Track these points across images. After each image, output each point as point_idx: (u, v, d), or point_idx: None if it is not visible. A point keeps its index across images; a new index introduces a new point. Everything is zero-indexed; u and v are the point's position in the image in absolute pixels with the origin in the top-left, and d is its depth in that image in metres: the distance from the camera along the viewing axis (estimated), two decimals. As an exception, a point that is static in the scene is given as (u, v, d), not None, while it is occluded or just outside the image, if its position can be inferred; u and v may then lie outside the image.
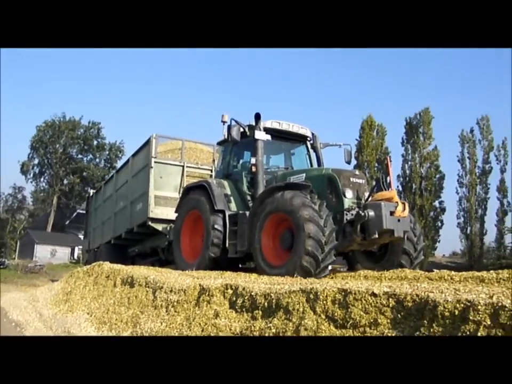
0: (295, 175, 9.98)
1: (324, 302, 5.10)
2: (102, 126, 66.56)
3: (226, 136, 10.49)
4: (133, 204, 15.30)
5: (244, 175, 10.69)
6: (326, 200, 8.84)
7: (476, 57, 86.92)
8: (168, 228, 13.03)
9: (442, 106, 77.62)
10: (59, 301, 11.46)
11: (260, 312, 5.74)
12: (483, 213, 45.89)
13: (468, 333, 3.77)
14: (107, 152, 67.07)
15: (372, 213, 8.46)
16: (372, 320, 4.59)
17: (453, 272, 7.15)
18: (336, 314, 4.92)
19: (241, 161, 11.30)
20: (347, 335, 4.50)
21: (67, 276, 13.82)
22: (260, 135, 10.27)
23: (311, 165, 11.35)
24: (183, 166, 14.60)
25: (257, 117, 10.36)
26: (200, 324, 6.20)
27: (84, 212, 24.62)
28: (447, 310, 4.09)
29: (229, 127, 10.33)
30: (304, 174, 9.79)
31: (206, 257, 10.23)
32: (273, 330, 5.25)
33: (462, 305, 4.02)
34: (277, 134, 10.88)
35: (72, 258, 53.76)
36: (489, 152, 45.69)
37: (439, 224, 44.96)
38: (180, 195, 12.03)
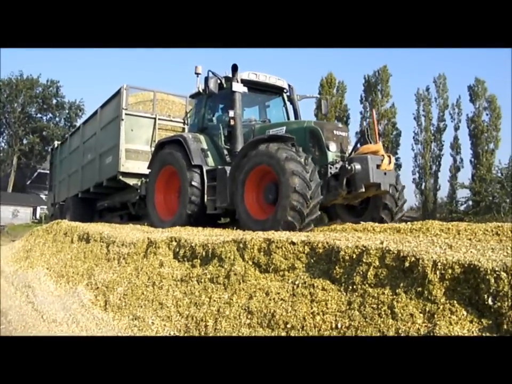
0: (274, 128, 9.40)
1: (251, 250, 5.65)
2: (61, 84, 64.53)
3: (203, 88, 9.80)
4: (102, 157, 14.34)
5: (221, 128, 10.06)
6: (309, 153, 8.35)
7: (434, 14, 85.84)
8: (140, 183, 12.35)
9: (400, 64, 77.38)
10: (20, 258, 11.41)
11: (199, 260, 6.28)
12: (437, 169, 46.38)
13: (361, 272, 4.43)
14: (67, 111, 64.95)
15: (358, 166, 8.05)
16: (290, 265, 5.19)
17: (375, 224, 7.82)
18: (261, 260, 5.50)
19: (216, 115, 10.65)
20: (282, 287, 4.87)
21: (27, 234, 13.75)
22: (238, 87, 9.64)
23: (288, 118, 10.81)
24: (155, 118, 13.74)
25: (234, 68, 9.70)
26: (146, 273, 6.69)
27: (45, 171, 23.40)
28: (347, 254, 4.73)
29: (206, 79, 9.64)
30: (284, 127, 9.23)
31: (183, 214, 9.67)
32: (208, 276, 5.79)
33: (359, 249, 4.65)
34: (254, 86, 10.26)
35: (34, 218, 52.34)
36: (444, 110, 45.93)
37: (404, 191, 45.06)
38: (153, 150, 11.32)
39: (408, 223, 7.50)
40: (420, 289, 3.99)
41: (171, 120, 14.07)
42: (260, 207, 8.60)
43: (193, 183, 9.58)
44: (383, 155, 8.40)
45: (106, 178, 13.95)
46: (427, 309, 3.84)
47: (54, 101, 64.06)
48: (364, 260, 4.51)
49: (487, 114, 43.90)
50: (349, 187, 8.19)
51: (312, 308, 4.51)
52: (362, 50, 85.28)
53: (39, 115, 65.03)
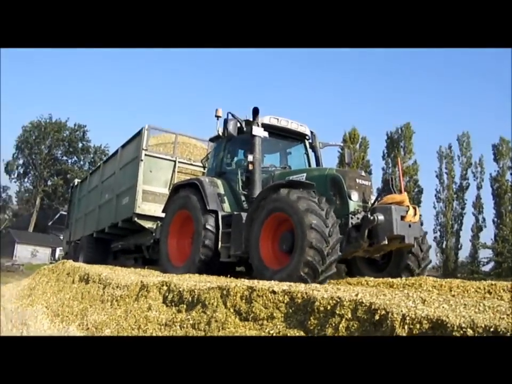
0: (294, 174, 8.89)
1: (234, 297, 5.62)
2: (88, 129, 65.78)
3: (222, 131, 9.39)
4: (119, 197, 13.93)
5: (239, 174, 9.60)
6: (328, 202, 7.78)
7: (459, 73, 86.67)
8: (155, 226, 11.85)
9: (423, 121, 77.49)
10: (23, 296, 11.35)
11: (185, 306, 6.25)
12: (459, 228, 45.80)
13: (333, 324, 4.39)
14: (92, 155, 66.04)
15: (381, 217, 7.50)
16: (269, 314, 5.14)
17: (370, 278, 7.81)
18: (241, 308, 5.46)
19: (235, 159, 10.17)
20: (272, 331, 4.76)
21: (35, 273, 13.67)
22: (258, 131, 9.21)
23: (310, 165, 10.29)
24: (175, 161, 13.32)
25: (256, 111, 9.30)
26: (135, 315, 6.69)
27: (67, 213, 23.15)
28: (321, 305, 4.67)
29: (226, 121, 9.23)
30: (304, 174, 8.73)
31: (196, 260, 9.11)
32: (191, 322, 5.75)
33: (334, 301, 4.61)
34: (275, 131, 9.84)
35: (52, 259, 52.18)
36: (467, 168, 45.53)
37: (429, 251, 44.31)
38: (169, 193, 10.85)
39: (403, 278, 7.46)
40: None
41: (191, 164, 13.64)
42: (274, 255, 8.04)
43: (207, 226, 9.07)
44: (408, 206, 7.85)
45: (121, 219, 13.48)
46: None
47: (80, 145, 65.36)
48: (337, 312, 4.49)
49: (511, 174, 43.31)
50: (371, 239, 7.65)
51: None
52: (386, 107, 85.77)
53: (64, 158, 66.34)
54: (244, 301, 5.53)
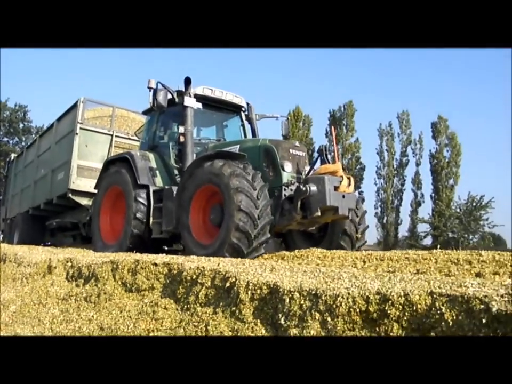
0: (227, 146, 8.49)
1: (122, 270, 5.78)
2: (29, 109, 63.29)
3: (151, 103, 8.78)
4: (54, 172, 13.15)
5: (171, 147, 9.16)
6: (262, 174, 7.46)
7: (401, 52, 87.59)
8: (91, 202, 11.21)
9: (365, 99, 78.01)
10: None
11: (82, 280, 6.38)
12: (399, 204, 46.55)
13: (195, 292, 4.66)
14: (33, 136, 63.49)
15: (314, 188, 7.15)
16: (150, 285, 5.32)
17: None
18: (127, 280, 5.64)
19: (168, 132, 9.62)
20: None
21: None
22: (190, 101, 8.73)
23: (246, 138, 9.89)
24: (112, 135, 12.70)
25: (187, 81, 8.78)
26: (38, 291, 6.73)
27: (3, 189, 21.98)
28: (188, 274, 4.90)
29: (155, 92, 8.63)
30: (238, 146, 8.33)
31: (127, 235, 8.63)
32: (84, 295, 5.92)
33: (198, 270, 4.82)
34: (209, 103, 9.38)
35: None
36: (407, 145, 46.22)
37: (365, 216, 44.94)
38: (101, 168, 10.24)
39: (296, 251, 7.35)
40: (234, 308, 4.18)
41: (129, 138, 12.99)
42: (206, 231, 7.66)
43: (138, 198, 8.60)
44: (342, 176, 7.53)
45: (56, 195, 12.80)
46: (236, 327, 4.04)
47: (21, 125, 62.77)
48: (199, 280, 4.75)
49: (447, 151, 44.28)
50: (304, 211, 7.30)
51: (150, 325, 4.72)
52: (327, 84, 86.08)
53: (5, 139, 63.56)
54: (130, 273, 5.70)
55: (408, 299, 3.19)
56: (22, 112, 62.84)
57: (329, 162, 8.04)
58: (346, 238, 8.12)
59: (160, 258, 5.80)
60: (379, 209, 46.47)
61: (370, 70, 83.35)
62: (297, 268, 4.80)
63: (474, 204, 39.18)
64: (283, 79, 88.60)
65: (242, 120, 10.12)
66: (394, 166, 46.26)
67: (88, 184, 11.68)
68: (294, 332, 3.59)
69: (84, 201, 11.89)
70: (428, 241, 42.82)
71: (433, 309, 3.08)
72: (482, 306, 2.87)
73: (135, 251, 7.34)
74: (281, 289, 3.87)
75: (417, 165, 46.04)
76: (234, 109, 10.00)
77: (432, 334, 3.03)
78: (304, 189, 7.13)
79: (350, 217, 7.88)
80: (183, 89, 8.83)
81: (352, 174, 43.63)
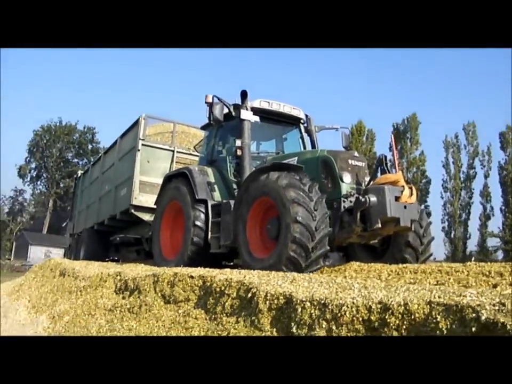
0: (286, 159, 8.26)
1: (162, 283, 6.11)
2: (97, 130, 65.74)
3: (208, 117, 8.71)
4: (118, 188, 13.32)
5: (228, 161, 9.03)
6: (320, 185, 7.21)
7: (464, 63, 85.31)
8: (153, 218, 11.14)
9: (429, 112, 76.31)
10: (12, 291, 11.63)
11: (128, 292, 6.71)
12: (467, 217, 45.12)
13: (222, 303, 4.93)
14: (101, 156, 65.91)
15: (373, 199, 6.84)
16: (186, 297, 5.62)
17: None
18: (166, 292, 5.97)
19: (226, 146, 9.48)
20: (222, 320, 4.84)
21: (28, 271, 14.13)
22: (247, 114, 8.62)
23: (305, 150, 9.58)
24: (173, 151, 12.70)
25: (244, 94, 8.69)
26: (89, 303, 7.13)
27: (71, 205, 22.54)
28: (218, 286, 5.18)
29: (211, 106, 8.56)
30: (296, 158, 8.11)
31: (184, 255, 8.57)
32: (128, 306, 6.25)
33: (227, 282, 5.10)
34: (267, 116, 9.21)
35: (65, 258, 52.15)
36: (474, 157, 44.84)
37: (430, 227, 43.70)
38: (161, 184, 10.21)
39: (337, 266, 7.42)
40: (253, 317, 4.40)
41: (190, 154, 12.90)
42: (263, 244, 7.46)
43: (196, 223, 8.50)
44: (403, 186, 7.17)
45: (119, 211, 12.92)
46: (253, 335, 4.26)
47: (90, 147, 65.18)
48: (226, 291, 5.00)
49: (517, 162, 42.54)
50: (364, 223, 6.99)
51: (180, 334, 4.98)
52: (392, 98, 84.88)
53: (75, 160, 66.25)
54: (169, 285, 5.98)
55: (407, 308, 3.33)
56: (90, 134, 65.45)
57: (390, 172, 7.67)
58: (410, 250, 7.72)
59: (198, 271, 6.06)
60: (446, 223, 45.18)
61: (435, 82, 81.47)
62: (315, 279, 4.93)
63: (548, 216, 37.37)
64: (344, 92, 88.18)
65: (301, 132, 9.87)
66: (461, 179, 44.89)
67: (150, 200, 11.65)
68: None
69: (146, 217, 11.90)
70: (499, 256, 41.10)
71: (429, 317, 3.19)
72: (473, 315, 2.94)
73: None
74: (294, 299, 4.11)
75: (486, 177, 44.65)
76: (292, 121, 9.77)
77: None
78: (363, 200, 6.85)
79: (414, 229, 7.51)
80: (240, 103, 8.74)
81: (418, 187, 42.60)
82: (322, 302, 3.86)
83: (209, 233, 8.43)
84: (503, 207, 42.89)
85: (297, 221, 6.50)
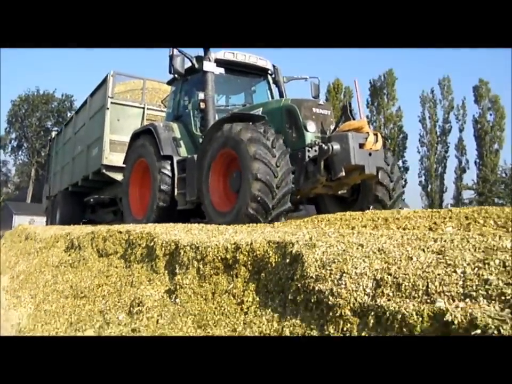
0: (251, 110, 7.87)
1: (97, 239, 6.52)
2: (75, 98, 64.26)
3: (169, 70, 8.25)
4: (89, 148, 12.89)
5: (193, 115, 8.65)
6: (285, 136, 6.92)
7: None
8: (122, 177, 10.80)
9: (405, 67, 75.57)
10: None
11: (73, 250, 7.07)
12: (443, 171, 45.29)
13: (135, 252, 5.48)
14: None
15: (337, 146, 6.50)
16: (115, 250, 6.01)
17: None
18: (100, 247, 6.37)
19: (192, 100, 9.01)
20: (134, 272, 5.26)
21: (2, 238, 14.90)
22: (210, 66, 8.22)
23: None
24: (143, 108, 12.27)
25: (207, 46, 8.26)
26: (41, 261, 7.55)
27: (46, 167, 21.92)
28: (134, 238, 5.71)
29: (171, 58, 8.10)
30: (261, 108, 7.74)
31: (153, 207, 8.31)
32: (70, 262, 6.67)
33: (141, 235, 5.63)
34: (232, 67, 8.80)
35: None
36: (449, 112, 44.84)
37: (403, 183, 43.74)
38: (128, 141, 9.85)
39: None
40: (153, 263, 4.98)
41: (162, 110, 12.29)
42: (226, 198, 7.21)
43: (162, 170, 8.23)
44: (367, 132, 6.82)
45: (92, 171, 12.54)
46: (151, 277, 4.82)
47: (69, 114, 63.97)
48: (139, 242, 5.54)
49: (490, 115, 42.57)
50: (328, 172, 6.68)
51: (100, 280, 5.60)
52: (367, 54, 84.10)
53: (55, 128, 64.85)
54: (103, 241, 6.38)
55: (252, 247, 3.86)
56: (68, 101, 64.10)
57: (354, 119, 7.31)
58: (378, 204, 7.44)
59: (127, 227, 6.55)
60: (423, 177, 45.34)
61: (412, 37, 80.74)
62: (200, 227, 5.64)
63: (520, 168, 37.60)
64: (321, 53, 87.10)
65: (269, 84, 9.50)
66: (437, 133, 44.95)
67: (121, 159, 11.08)
68: (178, 278, 4.37)
69: (119, 177, 11.40)
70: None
71: (265, 253, 3.73)
72: (290, 249, 3.53)
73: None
74: (179, 244, 4.67)
75: (461, 130, 44.77)
76: (260, 72, 9.38)
77: (263, 274, 3.64)
78: (326, 148, 6.51)
79: (381, 180, 7.26)
80: (202, 54, 8.34)
81: (395, 143, 42.59)
82: (197, 245, 4.42)
83: (175, 189, 8.16)
84: (478, 160, 43.10)
85: (257, 178, 6.25)
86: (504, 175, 39.37)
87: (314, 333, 2.93)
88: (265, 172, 6.26)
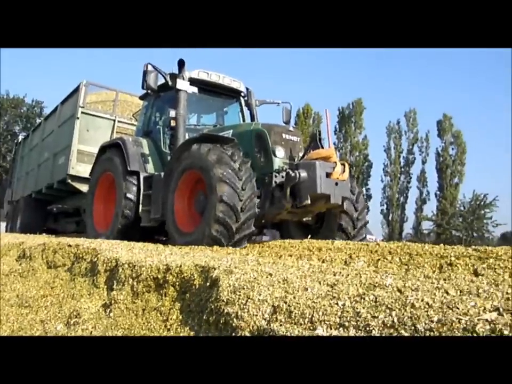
0: (222, 131, 7.82)
1: (48, 251, 6.53)
2: (45, 105, 63.10)
3: (142, 85, 8.12)
4: (56, 156, 12.57)
5: (163, 132, 8.54)
6: (253, 160, 6.89)
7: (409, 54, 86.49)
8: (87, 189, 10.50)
9: (373, 98, 76.96)
10: None
11: (24, 259, 7.00)
12: (404, 201, 45.94)
13: (80, 267, 5.56)
14: (49, 130, 63.68)
15: (304, 174, 6.51)
16: (64, 262, 6.04)
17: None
18: (49, 258, 6.37)
19: (163, 117, 8.91)
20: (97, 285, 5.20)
21: None
22: (183, 84, 8.11)
23: None
24: (114, 120, 12.07)
25: (181, 64, 8.15)
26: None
27: (9, 171, 21.36)
28: (81, 253, 5.83)
29: (145, 74, 7.99)
30: (231, 130, 7.70)
31: (115, 229, 8.14)
32: (20, 271, 6.56)
33: (87, 250, 5.79)
34: (206, 87, 8.73)
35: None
36: (414, 143, 45.60)
37: (366, 211, 44.26)
38: (96, 154, 9.63)
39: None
40: (94, 277, 5.11)
41: (132, 124, 12.14)
42: (190, 218, 7.09)
43: (128, 195, 8.05)
44: (335, 162, 6.85)
45: (57, 180, 12.23)
46: (92, 291, 4.93)
47: (38, 121, 62.62)
48: (84, 257, 5.65)
49: (452, 149, 43.57)
50: (294, 199, 6.66)
51: (45, 291, 5.56)
52: (337, 82, 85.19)
53: (22, 133, 63.49)
54: (53, 253, 6.37)
55: (180, 269, 4.11)
56: (38, 108, 62.72)
57: (322, 148, 7.33)
58: (342, 233, 7.45)
59: (77, 241, 6.64)
60: (385, 206, 45.90)
61: (380, 69, 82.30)
62: (142, 246, 5.96)
63: (478, 203, 38.45)
64: (293, 77, 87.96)
65: (241, 106, 9.47)
66: (401, 164, 45.63)
67: (88, 170, 10.81)
68: (114, 293, 4.51)
69: (84, 187, 11.11)
70: (432, 239, 42.18)
71: (191, 275, 3.97)
72: (211, 274, 3.77)
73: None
74: (119, 262, 4.83)
75: (423, 162, 45.55)
76: (233, 94, 9.34)
77: (187, 295, 3.89)
78: (293, 175, 6.51)
79: (346, 209, 7.27)
80: (177, 72, 8.22)
81: (360, 171, 43.10)
82: (134, 264, 4.63)
83: (140, 206, 8.00)
84: (438, 192, 43.90)
85: (222, 200, 6.17)
86: (462, 208, 40.18)
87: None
88: (230, 195, 6.19)
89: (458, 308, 2.46)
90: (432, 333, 2.42)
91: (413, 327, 2.44)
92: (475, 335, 2.33)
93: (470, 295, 2.69)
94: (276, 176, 6.84)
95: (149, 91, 8.29)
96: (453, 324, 2.35)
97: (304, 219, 7.76)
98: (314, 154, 6.96)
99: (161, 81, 8.29)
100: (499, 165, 70.17)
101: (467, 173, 43.97)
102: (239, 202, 6.20)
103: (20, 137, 19.23)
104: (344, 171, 6.87)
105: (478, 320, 2.31)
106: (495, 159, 73.54)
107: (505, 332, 2.25)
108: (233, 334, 3.14)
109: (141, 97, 9.96)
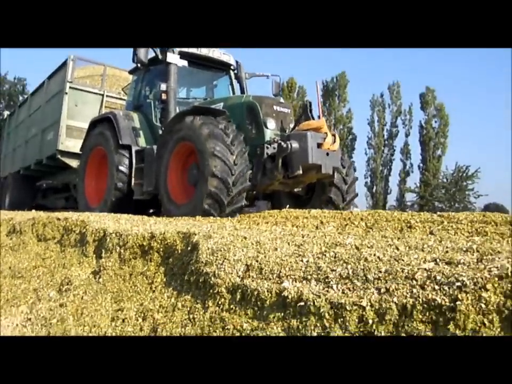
0: (212, 104, 7.91)
1: (38, 224, 6.60)
2: (28, 82, 62.13)
3: (132, 59, 8.17)
4: (44, 132, 12.52)
5: (154, 106, 8.63)
6: (245, 132, 7.01)
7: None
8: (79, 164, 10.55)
9: (357, 70, 76.51)
10: None
11: (14, 234, 7.10)
12: (388, 174, 46.17)
13: (69, 238, 5.74)
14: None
15: (295, 145, 6.62)
16: (53, 235, 6.15)
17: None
18: (39, 232, 6.49)
19: (153, 91, 8.98)
20: (68, 253, 5.55)
21: None
22: (173, 58, 8.22)
23: None
24: (102, 95, 12.04)
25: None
26: None
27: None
28: (70, 225, 5.92)
29: (135, 48, 8.03)
30: (222, 103, 7.80)
31: (107, 201, 8.27)
32: (11, 245, 6.72)
33: (76, 222, 5.88)
34: (196, 61, 8.81)
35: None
36: (397, 116, 45.66)
37: (355, 184, 44.68)
38: (87, 129, 9.68)
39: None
40: (83, 247, 5.29)
41: (121, 98, 12.19)
42: (183, 190, 7.21)
43: (120, 167, 8.14)
44: (326, 133, 6.98)
45: (46, 156, 12.22)
46: (81, 260, 5.14)
47: (20, 98, 61.68)
48: (73, 229, 5.77)
49: (435, 122, 43.82)
50: (286, 169, 6.80)
51: (36, 262, 5.75)
52: (321, 55, 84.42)
53: (5, 112, 62.47)
54: (42, 226, 6.50)
55: (164, 236, 4.33)
56: (21, 85, 61.58)
57: (313, 119, 7.48)
58: (331, 206, 7.61)
59: (66, 214, 6.77)
60: (369, 178, 46.21)
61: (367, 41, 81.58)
62: (128, 217, 6.07)
63: (460, 174, 38.95)
64: (276, 51, 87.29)
65: (231, 79, 9.56)
66: (385, 137, 45.86)
67: (78, 145, 10.77)
68: (103, 261, 4.73)
69: (74, 163, 11.28)
70: (416, 210, 42.75)
71: (174, 242, 4.20)
72: (192, 238, 4.04)
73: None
74: (107, 232, 5.01)
75: (407, 135, 45.52)
76: (222, 67, 9.42)
77: (171, 259, 4.11)
78: (285, 145, 6.62)
79: (336, 182, 7.50)
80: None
81: (344, 144, 43.36)
82: (121, 233, 4.81)
83: (133, 179, 8.11)
84: (421, 164, 44.24)
85: (214, 175, 6.30)
86: (445, 180, 40.61)
87: (199, 305, 3.41)
88: (222, 169, 6.30)
89: (403, 260, 2.72)
90: (380, 282, 2.61)
91: (364, 277, 2.65)
92: (414, 282, 2.46)
93: (416, 250, 2.96)
94: (267, 148, 6.93)
95: (139, 65, 8.31)
96: (397, 273, 2.56)
97: (295, 190, 7.92)
98: (305, 125, 7.10)
99: (151, 55, 8.35)
100: (482, 137, 70.70)
101: (450, 145, 44.38)
102: (231, 177, 6.32)
103: (5, 114, 18.82)
104: (334, 141, 7.04)
105: (418, 269, 2.53)
106: (478, 131, 74.14)
107: (438, 277, 2.41)
108: (211, 291, 3.37)
109: (130, 72, 10.00)
